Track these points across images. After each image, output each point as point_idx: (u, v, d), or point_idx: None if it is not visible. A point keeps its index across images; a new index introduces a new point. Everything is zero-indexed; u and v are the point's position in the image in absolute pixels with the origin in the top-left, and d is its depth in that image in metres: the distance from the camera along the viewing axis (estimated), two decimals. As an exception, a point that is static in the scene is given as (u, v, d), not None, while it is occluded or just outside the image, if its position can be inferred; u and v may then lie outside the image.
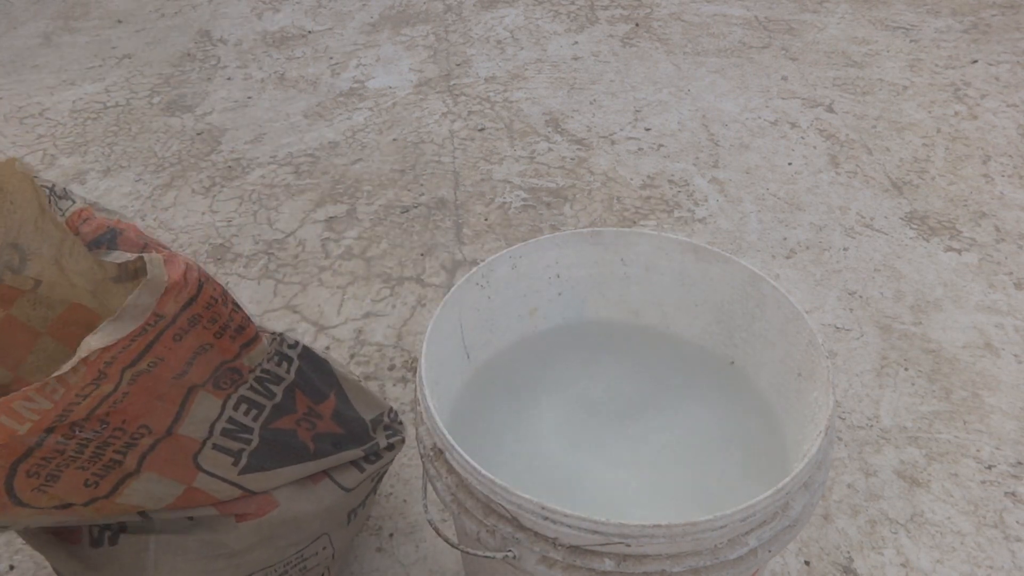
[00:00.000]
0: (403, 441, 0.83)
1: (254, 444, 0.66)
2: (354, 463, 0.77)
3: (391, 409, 0.84)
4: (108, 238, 0.65)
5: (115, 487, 0.60)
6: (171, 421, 0.60)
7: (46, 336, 0.73)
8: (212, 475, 0.65)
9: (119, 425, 0.57)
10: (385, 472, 0.84)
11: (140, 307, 0.56)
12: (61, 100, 1.84)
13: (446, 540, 0.61)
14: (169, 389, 0.59)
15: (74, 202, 0.66)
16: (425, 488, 0.65)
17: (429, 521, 0.63)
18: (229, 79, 1.90)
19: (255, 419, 0.67)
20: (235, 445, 0.65)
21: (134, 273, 0.71)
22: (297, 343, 0.72)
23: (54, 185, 0.66)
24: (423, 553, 0.89)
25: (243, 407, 0.66)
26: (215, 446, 0.64)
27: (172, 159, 1.61)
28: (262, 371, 0.67)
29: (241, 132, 1.69)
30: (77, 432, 0.55)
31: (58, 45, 2.10)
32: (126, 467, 0.59)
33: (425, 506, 0.63)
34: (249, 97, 1.82)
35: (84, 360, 0.53)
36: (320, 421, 0.73)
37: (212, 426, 0.63)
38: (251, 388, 0.66)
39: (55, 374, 0.52)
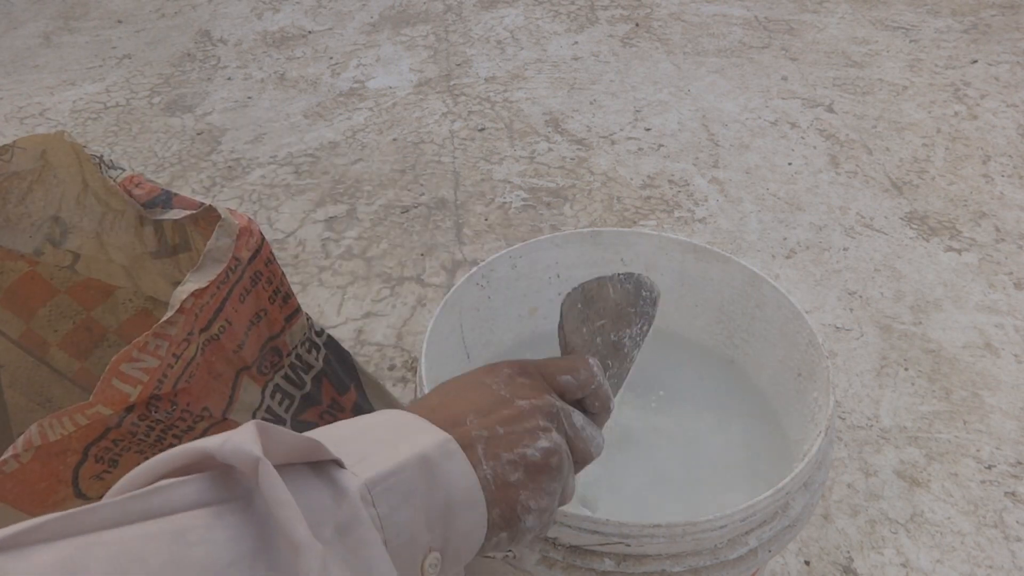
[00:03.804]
0: None
1: None
2: None
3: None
4: (163, 199, 0.66)
5: None
6: (225, 404, 0.61)
7: (64, 294, 0.75)
8: None
9: (186, 407, 0.57)
10: None
11: (221, 248, 0.58)
12: (61, 100, 1.84)
13: (446, 540, 0.61)
14: (225, 367, 0.60)
15: (124, 170, 0.67)
16: (425, 488, 0.65)
17: (429, 521, 0.63)
18: (229, 79, 1.90)
19: (287, 410, 0.67)
20: None
21: (173, 249, 0.73)
22: (323, 330, 0.73)
23: (103, 156, 0.67)
24: (423, 553, 0.89)
25: (278, 396, 0.66)
26: None
27: (172, 159, 1.61)
28: (296, 357, 0.68)
29: (241, 132, 1.69)
30: (152, 412, 0.55)
31: (58, 45, 2.10)
32: None
33: (425, 506, 0.63)
34: (249, 97, 1.82)
35: (181, 308, 0.53)
36: (342, 414, 0.73)
37: (254, 414, 0.64)
38: (285, 376, 0.67)
39: (154, 328, 0.52)
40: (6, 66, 2.01)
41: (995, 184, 1.45)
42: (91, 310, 0.76)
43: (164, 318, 0.52)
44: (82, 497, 0.57)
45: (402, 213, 1.43)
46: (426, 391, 0.62)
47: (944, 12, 2.05)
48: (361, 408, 0.75)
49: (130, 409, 0.53)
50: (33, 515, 0.56)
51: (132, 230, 0.72)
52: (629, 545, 0.53)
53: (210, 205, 0.63)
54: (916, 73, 1.80)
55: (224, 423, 0.61)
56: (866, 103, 1.69)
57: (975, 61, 1.84)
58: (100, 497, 0.58)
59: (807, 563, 0.87)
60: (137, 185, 0.66)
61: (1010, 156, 1.52)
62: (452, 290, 0.71)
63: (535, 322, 0.80)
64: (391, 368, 1.12)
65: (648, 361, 0.79)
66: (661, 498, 0.67)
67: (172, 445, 0.58)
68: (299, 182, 1.52)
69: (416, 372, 0.76)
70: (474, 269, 0.73)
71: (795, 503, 0.57)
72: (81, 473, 0.55)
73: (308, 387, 0.69)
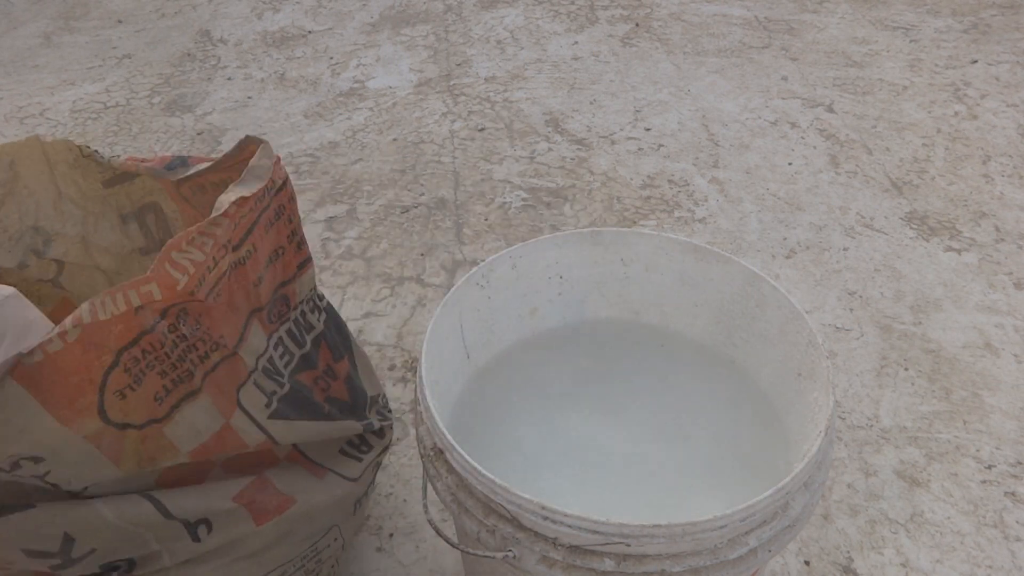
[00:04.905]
0: (392, 427, 0.83)
1: (285, 389, 0.67)
2: (351, 455, 0.78)
3: (383, 394, 0.85)
4: (179, 162, 0.69)
5: (172, 408, 0.60)
6: (237, 338, 0.62)
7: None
8: (246, 413, 0.65)
9: (207, 329, 0.58)
10: (381, 462, 0.84)
11: (263, 167, 0.61)
12: (61, 100, 1.84)
13: (446, 540, 0.61)
14: (243, 301, 0.62)
15: (120, 157, 0.70)
16: (425, 488, 0.65)
17: (429, 521, 0.63)
18: (229, 79, 1.90)
19: (286, 366, 0.68)
20: (270, 385, 0.66)
21: (160, 244, 0.73)
22: (323, 296, 0.75)
23: (95, 151, 0.69)
24: (423, 553, 0.89)
25: (280, 349, 0.68)
26: (255, 383, 0.65)
27: (172, 159, 1.61)
28: (300, 314, 0.69)
29: (241, 132, 1.69)
30: (180, 325, 0.56)
31: (58, 45, 2.10)
32: (193, 383, 0.60)
33: (425, 506, 0.63)
34: (249, 97, 1.82)
35: (226, 212, 0.56)
36: (334, 382, 0.74)
37: (258, 359, 0.65)
38: (288, 331, 0.68)
39: (199, 226, 0.54)
40: (6, 66, 2.01)
41: (995, 184, 1.45)
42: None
43: (208, 219, 0.55)
44: (104, 418, 0.56)
45: (402, 213, 1.43)
46: (426, 391, 0.62)
47: (944, 12, 2.05)
48: (352, 381, 0.76)
49: (164, 315, 0.55)
50: (59, 417, 0.55)
51: (117, 229, 0.72)
52: (629, 545, 0.53)
53: (248, 136, 0.66)
54: (916, 73, 1.80)
55: (234, 357, 0.62)
56: (866, 103, 1.69)
57: (975, 61, 1.84)
58: (120, 423, 0.58)
59: (807, 563, 0.87)
60: (142, 161, 0.68)
61: (1010, 156, 1.52)
62: (452, 290, 0.71)
63: (535, 322, 0.80)
64: (391, 368, 1.12)
65: (648, 361, 0.79)
66: (661, 498, 0.67)
67: (189, 371, 0.60)
68: (299, 182, 1.52)
69: (416, 372, 0.76)
70: (474, 269, 0.73)
71: (795, 503, 0.57)
72: (109, 382, 0.55)
73: (307, 347, 0.71)
